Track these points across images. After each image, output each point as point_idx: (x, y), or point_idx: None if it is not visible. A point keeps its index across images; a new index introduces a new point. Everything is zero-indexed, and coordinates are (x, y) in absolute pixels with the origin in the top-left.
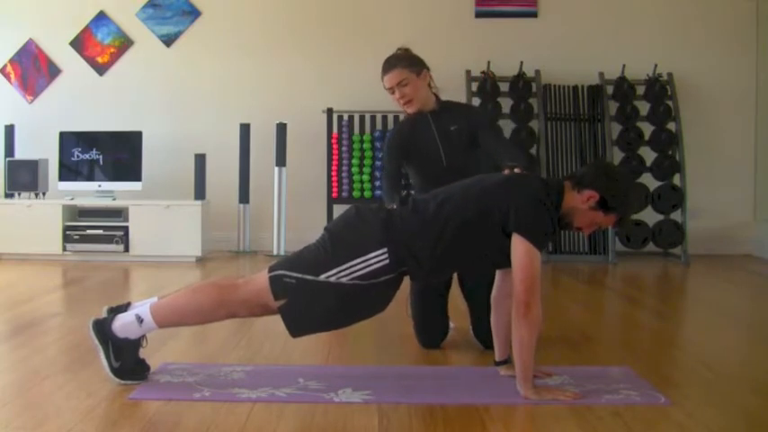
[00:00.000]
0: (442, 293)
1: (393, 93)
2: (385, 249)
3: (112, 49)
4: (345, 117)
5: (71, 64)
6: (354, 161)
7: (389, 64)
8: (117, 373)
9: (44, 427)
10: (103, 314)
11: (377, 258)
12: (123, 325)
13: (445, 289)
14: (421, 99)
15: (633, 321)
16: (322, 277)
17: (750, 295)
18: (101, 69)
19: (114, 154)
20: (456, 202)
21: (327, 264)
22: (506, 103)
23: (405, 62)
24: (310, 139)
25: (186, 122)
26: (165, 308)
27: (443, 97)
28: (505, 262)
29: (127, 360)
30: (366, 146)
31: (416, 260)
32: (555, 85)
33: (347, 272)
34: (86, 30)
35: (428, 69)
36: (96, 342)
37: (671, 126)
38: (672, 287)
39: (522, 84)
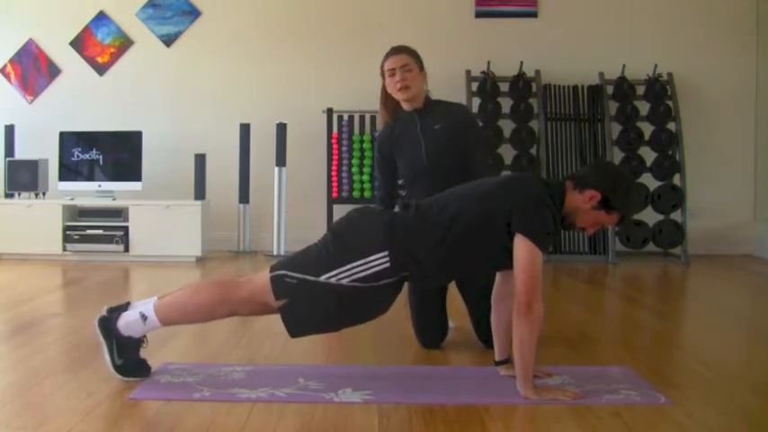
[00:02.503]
0: (441, 293)
1: (393, 75)
2: (386, 252)
3: (112, 49)
4: (345, 117)
5: (71, 64)
6: (354, 161)
7: (398, 48)
8: (119, 369)
9: (44, 427)
10: (104, 314)
11: (378, 261)
12: (128, 323)
13: (444, 289)
14: (416, 90)
15: (633, 321)
16: (322, 278)
17: (750, 295)
18: (101, 69)
19: (114, 154)
20: (459, 205)
21: (328, 264)
22: (506, 103)
23: (412, 53)
24: (310, 139)
25: (186, 122)
26: (169, 306)
27: (441, 98)
28: (508, 263)
29: (129, 358)
30: (366, 146)
31: (418, 263)
32: (555, 85)
33: (347, 273)
34: (86, 30)
35: (426, 72)
36: (101, 339)
37: (671, 126)
38: (672, 287)
39: (522, 84)
